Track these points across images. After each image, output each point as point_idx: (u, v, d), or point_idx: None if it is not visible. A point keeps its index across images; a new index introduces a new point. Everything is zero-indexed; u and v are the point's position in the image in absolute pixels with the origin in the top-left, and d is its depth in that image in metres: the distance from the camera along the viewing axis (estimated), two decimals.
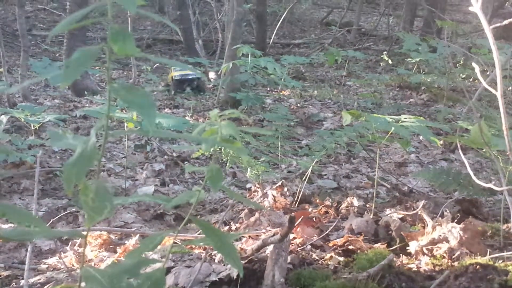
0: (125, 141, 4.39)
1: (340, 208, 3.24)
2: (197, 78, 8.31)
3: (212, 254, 2.27)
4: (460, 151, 2.29)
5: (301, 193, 3.50)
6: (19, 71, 6.39)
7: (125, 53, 0.82)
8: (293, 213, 2.38)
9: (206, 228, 1.08)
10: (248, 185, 4.25)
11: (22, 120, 4.09)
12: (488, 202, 3.86)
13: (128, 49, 0.82)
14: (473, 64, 1.70)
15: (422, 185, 4.43)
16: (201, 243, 1.06)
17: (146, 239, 1.10)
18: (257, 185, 3.72)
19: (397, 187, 4.34)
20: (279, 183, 3.66)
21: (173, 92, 8.24)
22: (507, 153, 2.68)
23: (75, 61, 0.81)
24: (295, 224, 2.37)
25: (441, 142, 5.61)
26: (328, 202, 3.34)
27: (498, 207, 3.46)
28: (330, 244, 2.42)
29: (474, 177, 1.98)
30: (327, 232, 2.56)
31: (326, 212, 3.17)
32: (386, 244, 2.40)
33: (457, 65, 7.42)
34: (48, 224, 3.21)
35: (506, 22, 1.68)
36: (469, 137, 2.61)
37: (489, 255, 2.08)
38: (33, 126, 4.27)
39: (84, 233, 0.99)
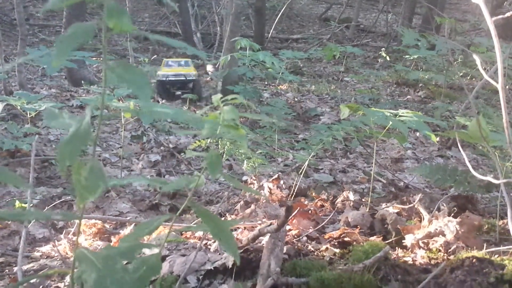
0: (122, 131, 4.37)
1: (336, 202, 3.24)
2: (191, 80, 6.93)
3: (208, 243, 2.26)
4: (459, 145, 2.28)
5: (297, 186, 3.49)
6: (16, 60, 6.35)
7: (120, 29, 0.81)
8: (290, 203, 2.36)
9: (204, 214, 1.06)
10: (244, 178, 4.24)
11: (18, 108, 4.06)
12: (484, 199, 3.86)
13: (123, 25, 0.81)
14: (474, 56, 1.69)
15: (418, 181, 4.44)
16: (199, 230, 1.05)
17: (141, 224, 1.09)
18: (254, 178, 3.71)
19: (393, 182, 4.34)
20: (276, 176, 3.65)
21: (155, 94, 6.91)
22: (507, 147, 2.68)
23: (69, 36, 0.79)
24: (291, 216, 2.37)
25: (438, 138, 5.62)
26: (324, 196, 3.34)
27: (493, 204, 3.46)
28: (326, 236, 2.41)
29: (472, 170, 1.97)
30: (323, 224, 2.55)
31: (322, 206, 3.16)
32: (382, 237, 2.40)
33: (456, 63, 7.42)
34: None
35: (508, 14, 1.66)
36: (467, 132, 2.60)
37: (485, 249, 2.07)
38: (29, 114, 4.24)
39: (78, 214, 0.97)
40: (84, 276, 0.89)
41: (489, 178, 1.77)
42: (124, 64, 0.89)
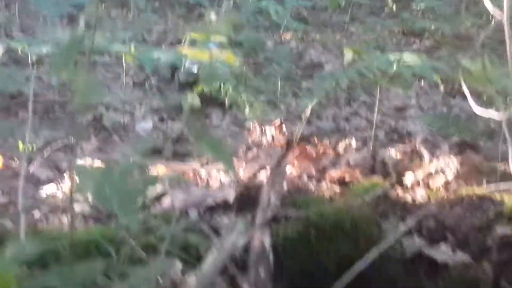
0: (123, 76, 4.34)
1: (338, 148, 3.23)
2: None
3: (210, 182, 2.28)
4: (463, 85, 2.24)
5: (300, 133, 3.49)
6: (16, 5, 6.26)
7: None
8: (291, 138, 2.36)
9: (202, 135, 1.06)
10: (246, 124, 4.23)
11: (19, 51, 4.03)
12: (487, 147, 3.85)
13: None
14: None
15: (421, 130, 4.42)
16: (198, 151, 1.05)
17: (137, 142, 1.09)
18: (256, 124, 3.70)
19: (396, 130, 4.34)
20: (278, 122, 3.64)
21: None
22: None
23: None
24: (292, 149, 2.36)
25: (442, 88, 5.57)
26: (326, 142, 3.34)
27: (496, 152, 3.46)
28: (327, 177, 2.43)
29: (473, 106, 1.96)
30: (324, 165, 2.56)
31: (324, 151, 3.17)
32: (382, 178, 2.41)
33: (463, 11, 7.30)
34: (45, 155, 3.22)
35: None
36: (472, 74, 2.57)
37: (486, 187, 2.08)
38: (31, 58, 4.20)
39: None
40: (84, 187, 0.90)
41: (491, 111, 1.76)
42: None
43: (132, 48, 3.51)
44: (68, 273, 1.17)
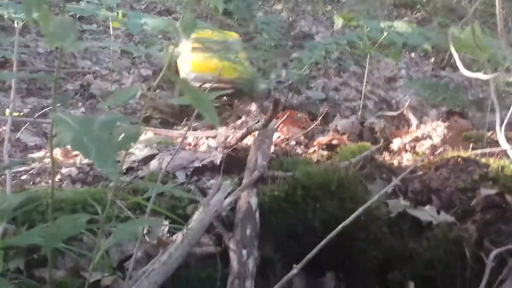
0: (112, 42, 4.28)
1: (327, 115, 3.24)
2: None
3: (197, 146, 2.28)
4: (453, 51, 2.24)
5: (289, 102, 3.49)
6: None
7: None
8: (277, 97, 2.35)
9: (184, 85, 1.05)
10: None
11: (5, 16, 3.95)
12: (475, 117, 3.87)
13: None
14: None
15: (410, 98, 4.44)
16: (180, 102, 1.03)
17: (120, 92, 1.07)
18: None
19: (385, 100, 4.34)
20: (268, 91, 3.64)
21: None
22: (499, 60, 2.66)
23: None
24: (279, 111, 2.35)
25: (432, 59, 5.58)
26: (315, 110, 3.35)
27: (484, 121, 3.48)
28: (315, 143, 2.43)
29: (462, 68, 1.95)
30: (312, 127, 2.56)
31: (313, 118, 3.17)
32: (370, 144, 2.41)
33: None
34: (32, 120, 3.19)
35: None
36: (461, 40, 2.56)
37: (472, 151, 2.10)
38: (17, 24, 4.13)
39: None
40: (61, 137, 0.89)
41: (479, 74, 1.76)
42: None
43: (120, 14, 3.46)
44: (53, 229, 1.17)
